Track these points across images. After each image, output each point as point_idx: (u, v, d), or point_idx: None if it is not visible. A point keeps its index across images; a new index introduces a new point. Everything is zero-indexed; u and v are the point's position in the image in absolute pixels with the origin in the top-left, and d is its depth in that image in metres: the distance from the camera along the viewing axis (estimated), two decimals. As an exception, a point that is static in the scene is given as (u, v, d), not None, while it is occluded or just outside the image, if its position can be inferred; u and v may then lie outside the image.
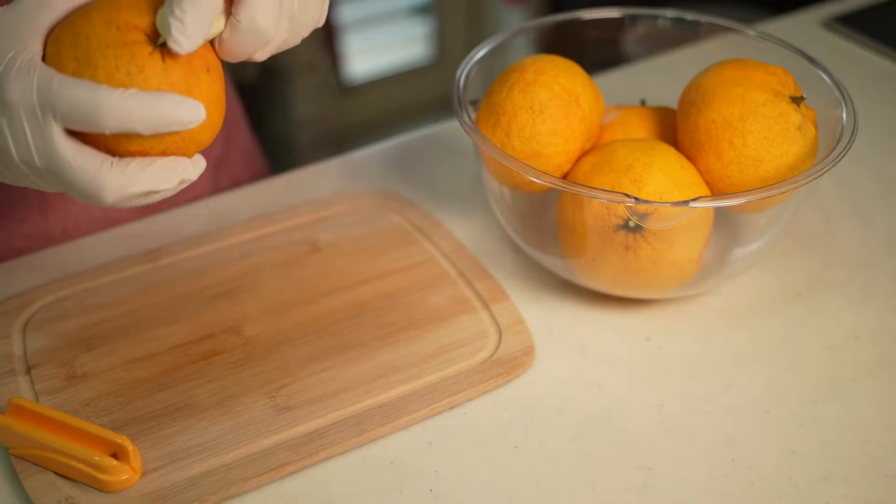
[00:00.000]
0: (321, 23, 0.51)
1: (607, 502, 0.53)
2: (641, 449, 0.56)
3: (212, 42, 0.48)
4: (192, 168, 0.47)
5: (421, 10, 2.21)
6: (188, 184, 0.48)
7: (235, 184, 0.83)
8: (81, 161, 0.45)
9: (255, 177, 0.87)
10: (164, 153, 0.46)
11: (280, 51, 0.50)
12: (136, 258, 0.67)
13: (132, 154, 0.46)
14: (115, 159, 0.45)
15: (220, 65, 0.49)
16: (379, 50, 2.19)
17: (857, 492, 0.53)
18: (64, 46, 0.45)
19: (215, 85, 0.48)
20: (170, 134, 0.46)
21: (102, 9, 0.46)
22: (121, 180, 0.45)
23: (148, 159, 0.46)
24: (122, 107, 0.44)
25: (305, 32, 0.50)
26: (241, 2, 0.46)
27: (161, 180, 0.46)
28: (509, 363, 0.60)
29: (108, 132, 0.44)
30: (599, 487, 0.53)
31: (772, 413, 0.58)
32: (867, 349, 0.62)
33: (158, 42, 0.45)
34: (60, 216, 0.71)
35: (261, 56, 0.49)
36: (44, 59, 0.45)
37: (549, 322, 0.64)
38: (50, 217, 0.70)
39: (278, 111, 1.98)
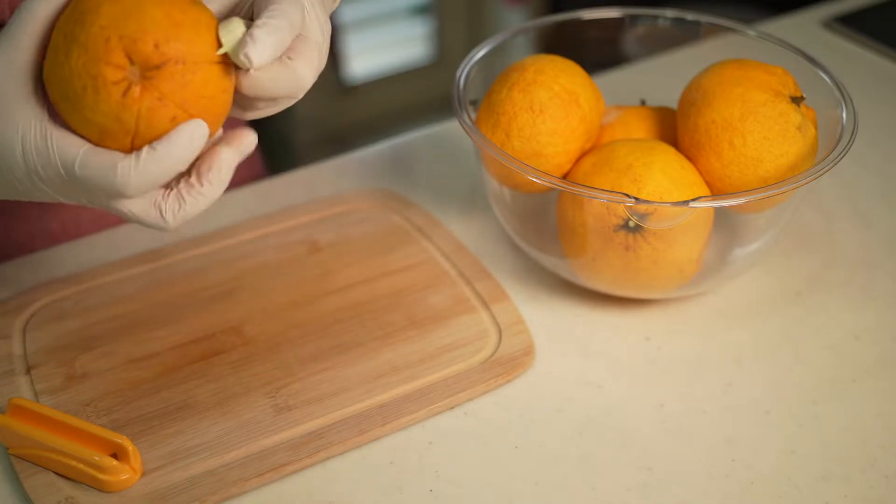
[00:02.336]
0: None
1: (607, 502, 0.53)
2: (641, 449, 0.56)
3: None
4: (198, 126, 0.46)
5: (421, 10, 2.21)
6: (205, 140, 0.47)
7: (236, 185, 0.83)
8: (94, 167, 0.46)
9: (254, 178, 0.87)
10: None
11: (284, 107, 0.51)
12: (136, 258, 0.67)
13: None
14: (125, 155, 0.46)
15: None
16: (379, 50, 2.19)
17: (857, 492, 0.53)
18: (57, 99, 0.46)
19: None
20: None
21: (81, 49, 0.45)
22: (139, 172, 0.46)
23: (154, 143, 0.46)
24: (143, 177, 0.45)
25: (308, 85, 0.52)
26: (294, 47, 0.48)
27: (179, 150, 0.46)
28: (509, 363, 0.60)
29: (134, 196, 0.47)
30: (599, 487, 0.53)
31: (772, 413, 0.58)
32: (867, 349, 0.62)
33: (220, 51, 0.46)
34: (59, 213, 0.71)
35: (270, 106, 0.50)
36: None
37: (549, 322, 0.64)
38: (48, 212, 0.70)
39: (278, 111, 1.97)
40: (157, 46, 0.44)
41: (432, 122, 0.85)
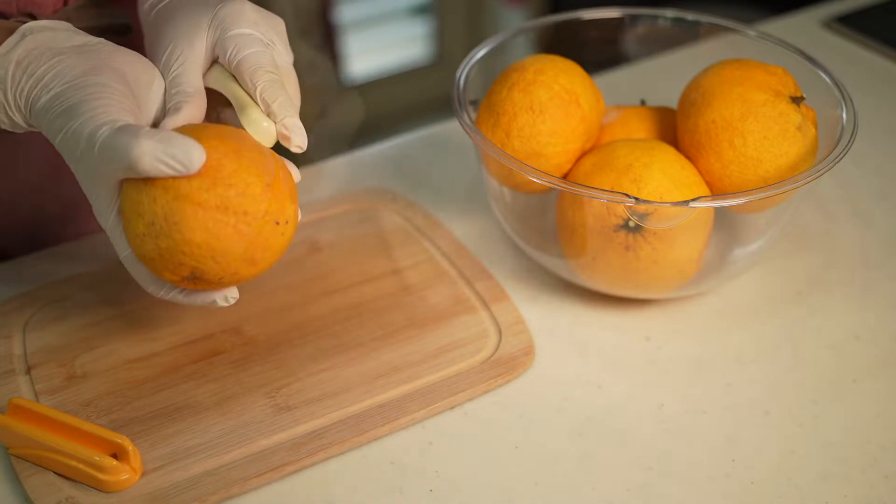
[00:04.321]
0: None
1: (607, 502, 0.53)
2: (641, 449, 0.56)
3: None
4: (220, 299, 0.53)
5: (421, 10, 2.21)
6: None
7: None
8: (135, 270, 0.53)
9: None
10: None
11: None
12: (136, 258, 0.67)
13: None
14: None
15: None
16: (379, 50, 2.19)
17: (857, 492, 0.53)
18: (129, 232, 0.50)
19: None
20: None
21: (156, 251, 0.49)
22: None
23: (186, 292, 0.52)
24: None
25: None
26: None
27: (189, 302, 0.53)
28: (509, 363, 0.60)
29: None
30: (599, 487, 0.53)
31: (772, 413, 0.58)
32: (867, 349, 0.62)
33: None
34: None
35: None
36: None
37: (549, 322, 0.64)
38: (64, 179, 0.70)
39: (278, 111, 1.97)
40: (220, 280, 0.50)
41: (432, 122, 0.85)
